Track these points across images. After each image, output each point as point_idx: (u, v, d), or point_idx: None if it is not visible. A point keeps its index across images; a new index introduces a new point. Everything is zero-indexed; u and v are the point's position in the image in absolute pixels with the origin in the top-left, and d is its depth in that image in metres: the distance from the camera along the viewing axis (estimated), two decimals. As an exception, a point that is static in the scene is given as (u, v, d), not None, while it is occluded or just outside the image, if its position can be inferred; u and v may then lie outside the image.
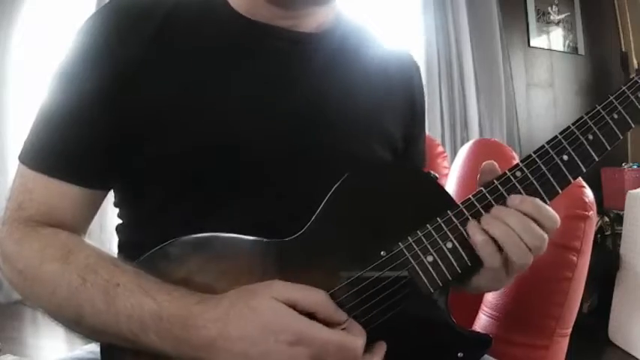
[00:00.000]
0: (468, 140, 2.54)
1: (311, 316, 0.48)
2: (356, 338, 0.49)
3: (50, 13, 2.42)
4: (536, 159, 0.55)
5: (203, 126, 0.58)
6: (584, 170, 0.56)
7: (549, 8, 2.96)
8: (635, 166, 2.67)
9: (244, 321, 0.47)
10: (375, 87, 0.66)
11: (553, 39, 2.98)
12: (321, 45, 0.64)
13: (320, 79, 0.63)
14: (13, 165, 2.42)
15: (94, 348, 0.67)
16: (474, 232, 0.53)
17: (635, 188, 2.24)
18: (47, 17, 2.42)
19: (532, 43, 2.91)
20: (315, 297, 0.49)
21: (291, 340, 0.46)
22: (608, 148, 0.56)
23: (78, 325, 0.53)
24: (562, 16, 2.99)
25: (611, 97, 0.56)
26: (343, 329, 0.49)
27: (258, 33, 0.61)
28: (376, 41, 0.71)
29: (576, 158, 0.55)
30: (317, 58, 0.63)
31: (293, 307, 0.47)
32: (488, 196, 0.54)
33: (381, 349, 0.52)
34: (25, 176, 0.58)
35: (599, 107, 0.56)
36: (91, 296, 0.50)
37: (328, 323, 0.48)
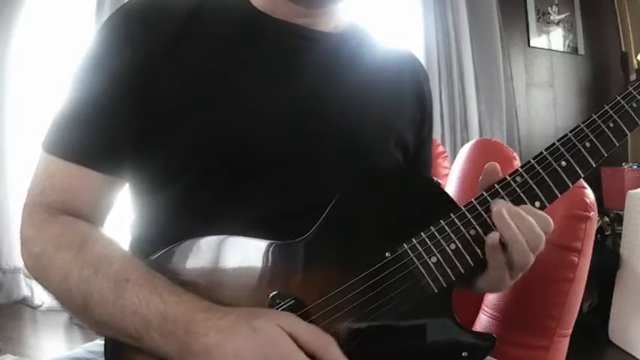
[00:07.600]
0: (468, 140, 2.53)
1: (310, 356, 0.47)
2: None
3: (50, 13, 2.42)
4: (535, 164, 0.56)
5: (223, 120, 0.58)
6: (582, 175, 0.57)
7: (549, 8, 2.96)
8: (635, 166, 2.66)
9: (242, 338, 0.46)
10: (388, 91, 0.68)
11: (553, 39, 2.97)
12: (339, 44, 0.66)
13: (338, 78, 0.64)
14: (12, 163, 2.42)
15: (94, 348, 0.67)
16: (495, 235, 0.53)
17: (635, 188, 2.24)
18: (47, 17, 2.42)
19: (532, 43, 2.91)
20: (320, 339, 0.48)
21: None
22: (605, 155, 0.57)
23: (84, 313, 0.52)
24: (562, 16, 2.99)
25: (607, 107, 0.58)
26: None
27: (279, 30, 0.63)
28: (389, 48, 0.73)
29: (574, 164, 0.56)
30: (335, 57, 0.65)
31: (295, 340, 0.47)
32: (489, 200, 0.55)
33: None
34: (48, 162, 0.59)
35: (594, 116, 0.58)
36: (101, 286, 0.51)
37: None
